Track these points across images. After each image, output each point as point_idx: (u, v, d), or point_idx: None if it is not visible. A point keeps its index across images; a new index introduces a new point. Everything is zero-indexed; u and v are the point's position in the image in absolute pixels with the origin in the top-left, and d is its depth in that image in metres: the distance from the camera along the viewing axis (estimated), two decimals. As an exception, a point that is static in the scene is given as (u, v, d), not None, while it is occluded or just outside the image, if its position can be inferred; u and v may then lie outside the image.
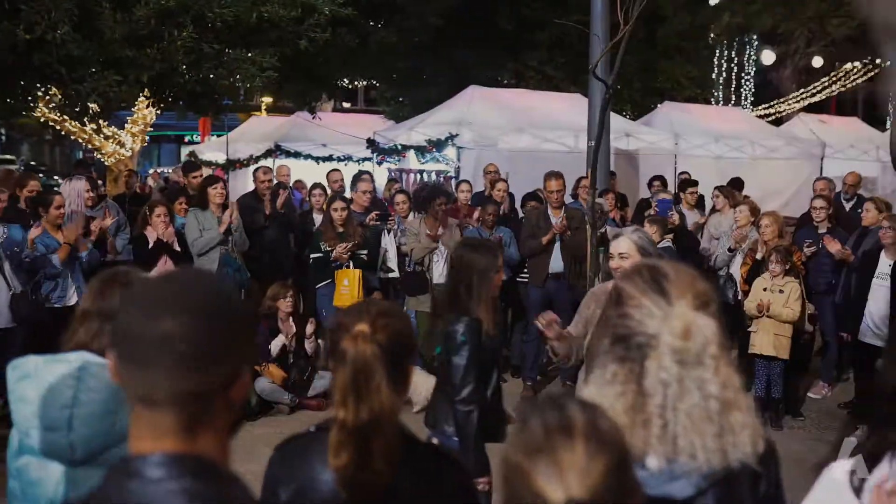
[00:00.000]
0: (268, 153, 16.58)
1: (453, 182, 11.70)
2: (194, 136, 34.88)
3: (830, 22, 21.78)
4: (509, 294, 8.94)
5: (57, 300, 7.27)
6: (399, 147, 12.79)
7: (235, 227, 8.14)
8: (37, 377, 2.14)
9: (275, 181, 9.94)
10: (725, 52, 23.71)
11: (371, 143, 13.55)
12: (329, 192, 10.31)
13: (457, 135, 11.97)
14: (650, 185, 11.24)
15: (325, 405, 8.06)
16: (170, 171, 26.41)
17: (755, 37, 23.74)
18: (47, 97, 9.89)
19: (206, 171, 18.69)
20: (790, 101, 27.66)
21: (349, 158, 16.78)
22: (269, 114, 28.71)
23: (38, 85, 9.15)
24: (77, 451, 2.07)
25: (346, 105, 34.69)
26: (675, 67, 17.54)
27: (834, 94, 29.02)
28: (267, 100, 30.00)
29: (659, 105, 16.48)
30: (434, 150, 12.20)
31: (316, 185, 9.69)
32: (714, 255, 9.04)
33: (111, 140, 12.57)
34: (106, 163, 13.19)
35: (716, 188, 9.98)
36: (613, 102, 8.61)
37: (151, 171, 27.53)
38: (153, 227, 7.94)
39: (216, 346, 1.35)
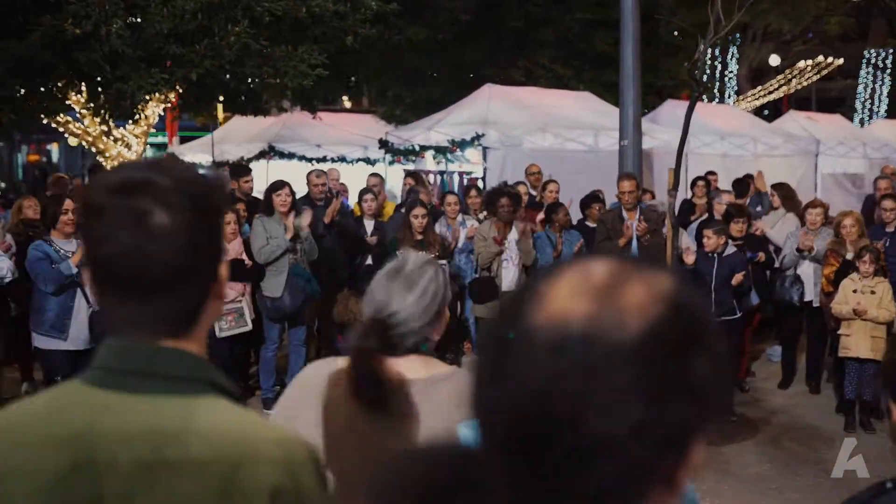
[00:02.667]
0: (261, 154, 15.93)
1: (479, 183, 11.36)
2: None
3: (829, 20, 22.09)
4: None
5: (130, 317, 6.70)
6: (417, 148, 12.36)
7: (306, 234, 7.66)
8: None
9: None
10: (709, 50, 23.86)
11: (384, 144, 13.07)
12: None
13: (483, 135, 11.61)
14: (693, 185, 11.02)
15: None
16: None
17: (738, 35, 23.98)
18: (78, 96, 9.23)
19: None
20: (749, 98, 28.06)
21: (343, 159, 16.30)
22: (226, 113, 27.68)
23: (76, 83, 8.51)
24: None
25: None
26: (678, 65, 17.51)
27: (791, 91, 29.56)
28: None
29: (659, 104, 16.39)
30: (458, 150, 11.82)
31: (366, 191, 9.21)
32: (782, 254, 8.90)
33: (119, 142, 11.82)
34: (108, 167, 12.42)
35: (772, 186, 9.86)
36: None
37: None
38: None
39: None
